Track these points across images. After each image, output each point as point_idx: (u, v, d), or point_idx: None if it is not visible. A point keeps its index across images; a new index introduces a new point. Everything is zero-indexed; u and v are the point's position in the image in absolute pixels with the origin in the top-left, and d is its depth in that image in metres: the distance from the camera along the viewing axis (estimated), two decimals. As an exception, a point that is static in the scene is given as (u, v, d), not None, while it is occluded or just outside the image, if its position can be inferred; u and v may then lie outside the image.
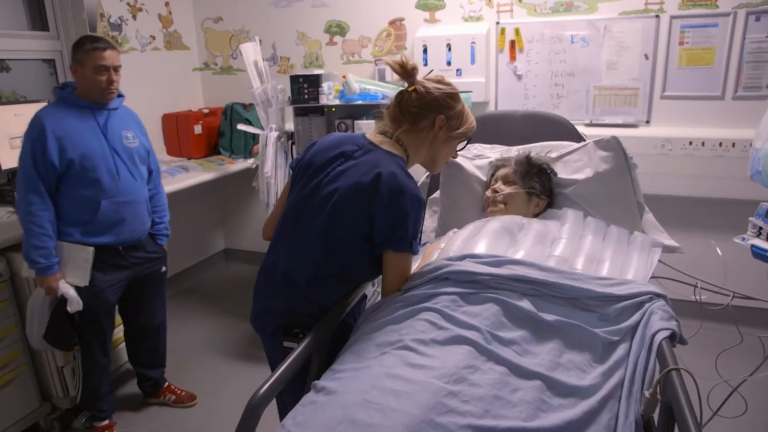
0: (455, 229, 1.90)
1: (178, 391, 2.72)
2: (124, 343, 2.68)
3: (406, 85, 1.54)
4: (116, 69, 2.21)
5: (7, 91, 2.91)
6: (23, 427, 2.40)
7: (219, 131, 3.81)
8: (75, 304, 2.17)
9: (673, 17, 2.87)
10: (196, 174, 3.36)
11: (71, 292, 2.16)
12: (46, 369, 2.45)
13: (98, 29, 3.24)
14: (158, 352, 2.68)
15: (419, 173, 2.28)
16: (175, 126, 3.73)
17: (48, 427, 2.51)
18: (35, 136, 2.07)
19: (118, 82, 2.23)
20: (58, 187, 2.13)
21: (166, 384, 2.73)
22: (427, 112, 1.52)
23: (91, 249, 2.19)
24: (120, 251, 2.30)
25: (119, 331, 2.64)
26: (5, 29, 2.93)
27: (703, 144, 2.86)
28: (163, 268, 2.58)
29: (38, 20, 3.12)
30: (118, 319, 2.56)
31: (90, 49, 2.14)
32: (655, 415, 1.16)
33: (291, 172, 1.63)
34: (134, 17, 3.53)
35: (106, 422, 2.45)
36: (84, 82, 2.18)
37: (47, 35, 3.13)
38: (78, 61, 2.16)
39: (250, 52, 2.94)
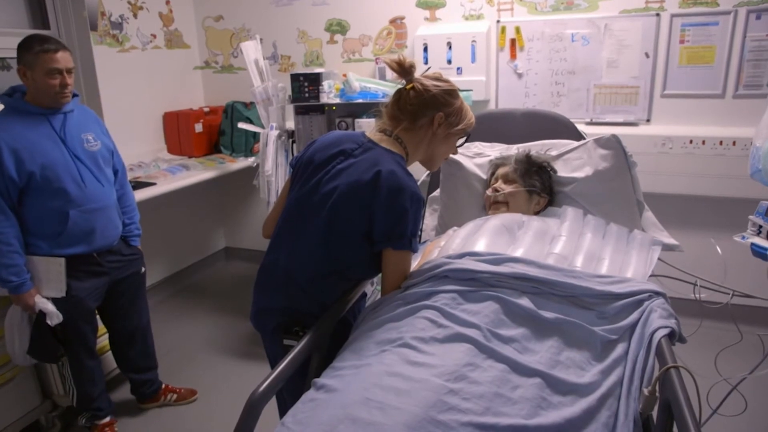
0: (455, 227, 1.91)
1: (178, 389, 2.71)
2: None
3: (404, 83, 1.54)
4: (69, 71, 2.06)
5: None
6: (24, 425, 2.41)
7: (220, 130, 3.81)
8: (55, 317, 2.12)
9: (673, 15, 2.87)
10: (197, 172, 3.36)
11: (49, 307, 2.11)
12: (47, 367, 2.46)
13: (99, 27, 3.25)
14: (150, 353, 2.63)
15: (419, 172, 2.28)
16: (176, 124, 3.74)
17: (49, 425, 2.51)
18: None
19: (72, 85, 2.10)
20: (21, 200, 2.03)
21: (164, 385, 2.71)
22: (425, 109, 1.51)
23: (62, 260, 2.11)
24: (95, 257, 2.23)
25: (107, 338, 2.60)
26: (6, 27, 2.94)
27: (703, 142, 2.86)
28: (142, 269, 2.50)
29: (39, 19, 3.12)
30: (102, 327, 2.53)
31: (40, 51, 1.99)
32: (654, 413, 1.16)
33: (291, 170, 1.64)
34: (135, 16, 3.53)
35: (107, 419, 2.45)
36: (34, 87, 2.03)
37: (47, 33, 3.13)
38: (27, 64, 2.00)
39: (251, 51, 2.94)
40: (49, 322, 2.12)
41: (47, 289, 2.12)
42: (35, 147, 2.02)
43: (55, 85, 2.03)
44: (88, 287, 2.22)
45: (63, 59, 2.03)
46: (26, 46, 2.01)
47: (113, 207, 2.27)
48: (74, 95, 2.17)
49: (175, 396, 2.69)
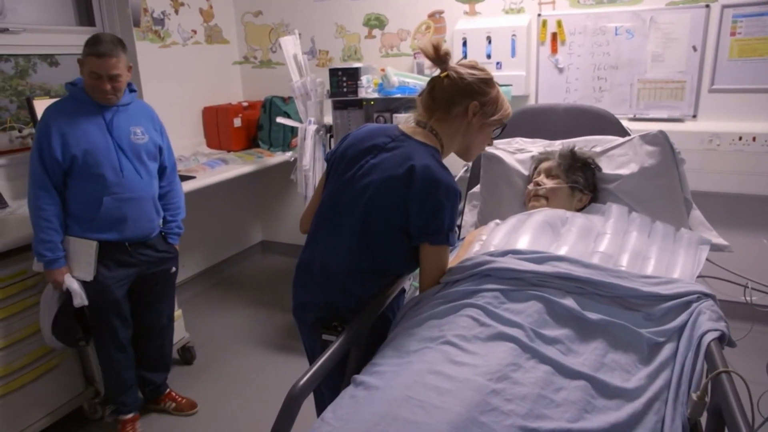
0: (497, 221, 1.88)
1: (179, 399, 2.63)
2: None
3: (438, 71, 1.50)
4: (114, 77, 2.09)
5: (57, 85, 2.99)
6: (68, 410, 2.46)
7: (258, 124, 3.85)
8: (78, 298, 2.15)
9: (724, 6, 2.76)
10: (236, 166, 3.39)
11: (74, 286, 2.14)
12: (89, 354, 2.51)
13: (141, 24, 3.31)
14: (163, 353, 2.59)
15: (457, 167, 2.26)
16: (215, 119, 3.79)
17: (91, 411, 2.56)
18: (42, 133, 2.07)
19: (119, 88, 2.14)
20: (66, 182, 2.12)
21: (167, 391, 2.64)
22: (460, 98, 1.46)
23: (95, 243, 2.16)
24: (126, 247, 2.26)
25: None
26: (54, 25, 3.02)
27: (754, 139, 2.75)
28: (173, 268, 2.49)
29: (85, 15, 3.19)
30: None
31: (89, 54, 2.05)
32: (703, 419, 1.13)
33: (327, 164, 1.63)
34: (176, 12, 3.58)
35: (131, 415, 2.43)
36: (85, 82, 2.12)
37: (93, 30, 3.20)
38: (80, 59, 2.09)
39: (290, 46, 2.95)
40: (74, 302, 2.15)
41: (77, 270, 2.17)
42: (82, 132, 2.10)
43: (96, 86, 2.09)
44: (114, 276, 2.24)
45: (107, 66, 2.06)
46: (86, 42, 2.07)
47: (150, 200, 2.29)
48: (132, 90, 2.25)
49: (173, 405, 2.61)
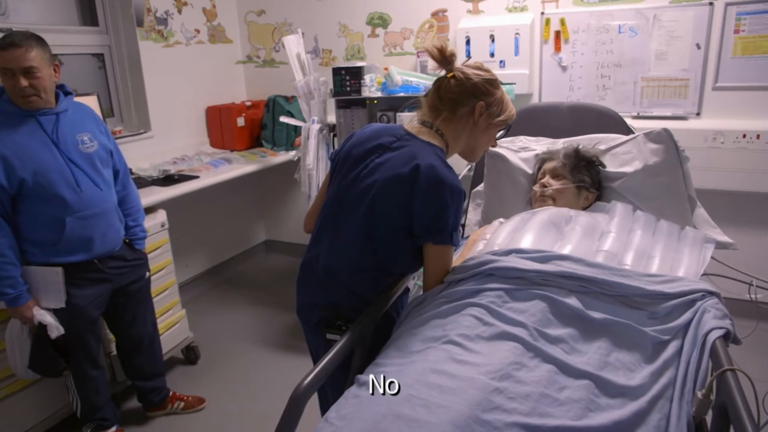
0: (501, 219, 1.88)
1: (186, 397, 2.61)
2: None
3: (443, 72, 1.50)
4: (28, 71, 1.83)
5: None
6: (62, 417, 2.41)
7: (261, 123, 3.85)
8: (55, 330, 2.02)
9: (728, 4, 2.75)
10: (239, 166, 3.40)
11: (48, 318, 2.00)
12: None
13: (145, 23, 3.31)
14: (155, 361, 2.51)
15: (461, 166, 2.26)
16: (219, 118, 3.79)
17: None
18: None
19: (39, 86, 1.88)
20: (15, 206, 1.92)
21: (171, 392, 2.60)
22: (466, 98, 1.47)
23: (60, 269, 2.00)
24: (95, 263, 2.11)
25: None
26: (57, 25, 3.02)
27: (758, 137, 2.74)
28: (147, 274, 2.38)
29: (88, 15, 3.20)
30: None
31: None
32: (708, 417, 1.12)
33: (331, 164, 1.63)
34: (179, 11, 3.59)
35: (113, 429, 2.34)
36: (4, 87, 1.87)
37: (96, 30, 3.21)
38: None
39: (293, 45, 2.95)
40: (50, 334, 2.03)
41: (46, 301, 2.03)
42: (25, 152, 1.89)
43: (10, 87, 1.85)
44: (89, 294, 2.12)
45: (15, 58, 1.81)
46: None
47: (113, 211, 2.15)
48: (68, 93, 2.05)
49: (182, 404, 2.59)
